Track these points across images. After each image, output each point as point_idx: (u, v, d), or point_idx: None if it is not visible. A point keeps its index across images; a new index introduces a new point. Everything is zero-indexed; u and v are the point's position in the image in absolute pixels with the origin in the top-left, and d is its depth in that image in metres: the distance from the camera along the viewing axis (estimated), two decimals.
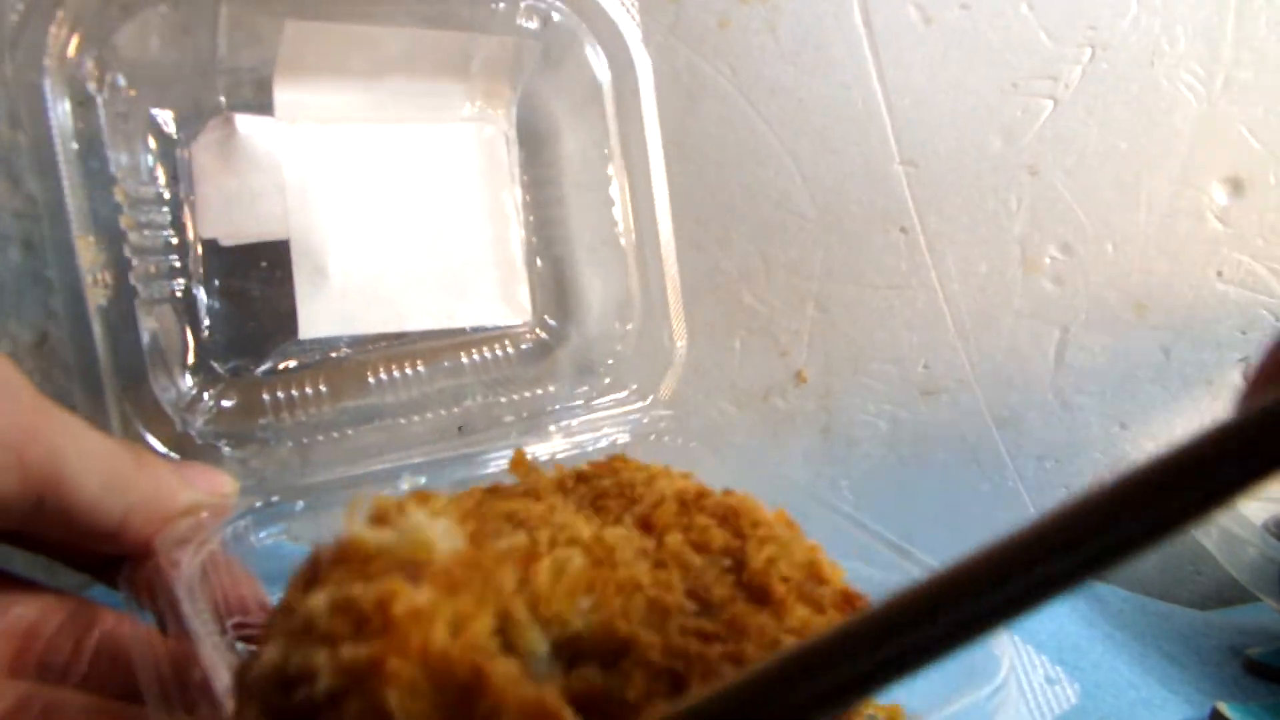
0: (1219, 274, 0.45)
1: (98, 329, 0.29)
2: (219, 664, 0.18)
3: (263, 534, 0.29)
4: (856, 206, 0.42)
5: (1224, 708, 0.34)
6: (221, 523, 0.26)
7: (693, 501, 0.23)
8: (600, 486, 0.24)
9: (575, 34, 0.35)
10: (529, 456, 0.27)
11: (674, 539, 0.21)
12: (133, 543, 0.22)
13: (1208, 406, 0.47)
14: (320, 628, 0.14)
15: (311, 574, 0.16)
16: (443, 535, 0.17)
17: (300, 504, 0.29)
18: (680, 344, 0.37)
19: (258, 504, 0.28)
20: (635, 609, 0.18)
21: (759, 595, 0.19)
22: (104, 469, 0.21)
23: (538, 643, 0.16)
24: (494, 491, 0.23)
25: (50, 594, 0.23)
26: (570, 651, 0.17)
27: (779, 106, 0.40)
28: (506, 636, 0.16)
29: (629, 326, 0.38)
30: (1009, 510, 0.47)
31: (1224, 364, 0.46)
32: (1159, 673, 0.37)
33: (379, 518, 0.17)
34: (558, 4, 0.34)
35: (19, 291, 0.34)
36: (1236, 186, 0.44)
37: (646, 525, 0.22)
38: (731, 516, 0.22)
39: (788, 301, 0.43)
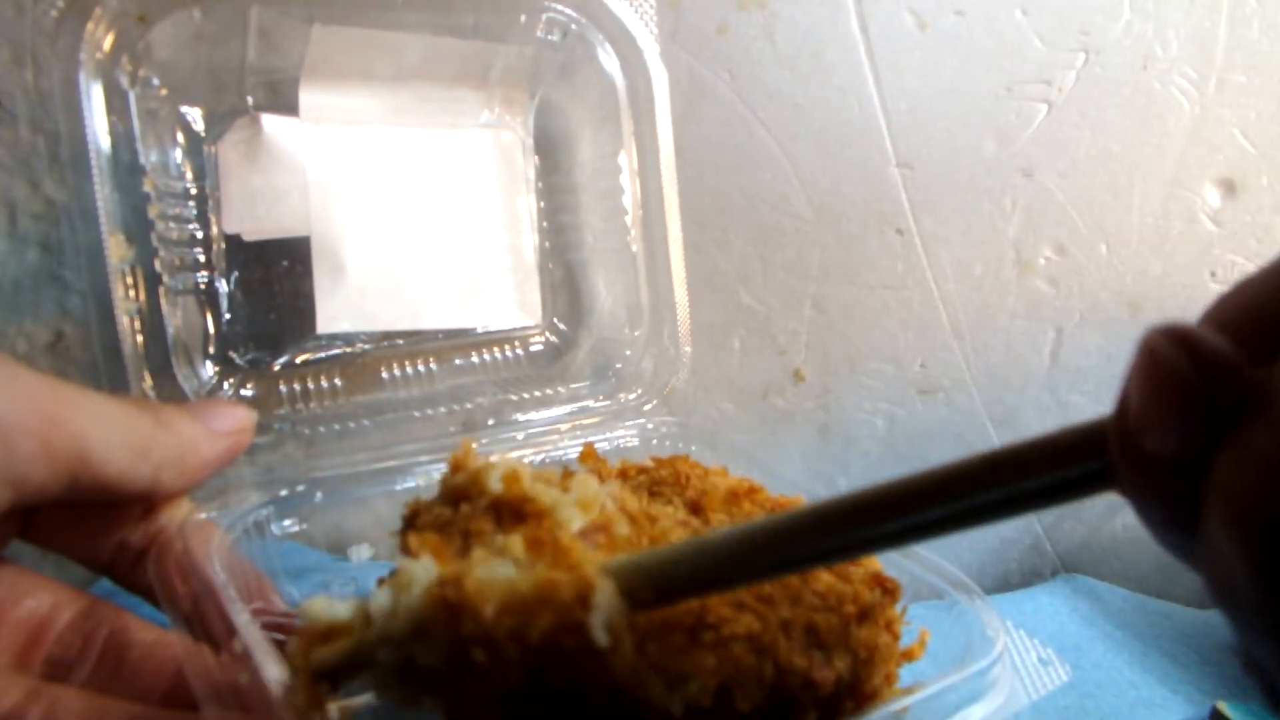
0: (1212, 274, 0.43)
1: (123, 320, 0.29)
2: (266, 654, 0.18)
3: (282, 524, 0.29)
4: (853, 208, 0.40)
5: (1224, 707, 0.32)
6: (242, 512, 0.26)
7: (744, 494, 0.24)
8: (658, 476, 0.25)
9: (593, 45, 0.34)
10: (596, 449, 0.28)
11: (718, 518, 0.22)
12: (167, 498, 0.22)
13: None
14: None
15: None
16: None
17: (319, 495, 0.29)
18: (687, 349, 0.36)
19: (281, 493, 0.28)
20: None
21: None
22: (127, 438, 0.20)
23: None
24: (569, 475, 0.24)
25: (64, 589, 0.22)
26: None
27: (776, 111, 0.39)
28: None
29: (637, 332, 0.37)
30: None
31: None
32: (1159, 672, 0.35)
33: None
34: (577, 16, 0.34)
35: (35, 291, 0.33)
36: (1229, 188, 0.42)
37: (695, 508, 0.23)
38: (779, 509, 0.23)
39: (785, 302, 0.41)
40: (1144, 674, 0.34)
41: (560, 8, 0.33)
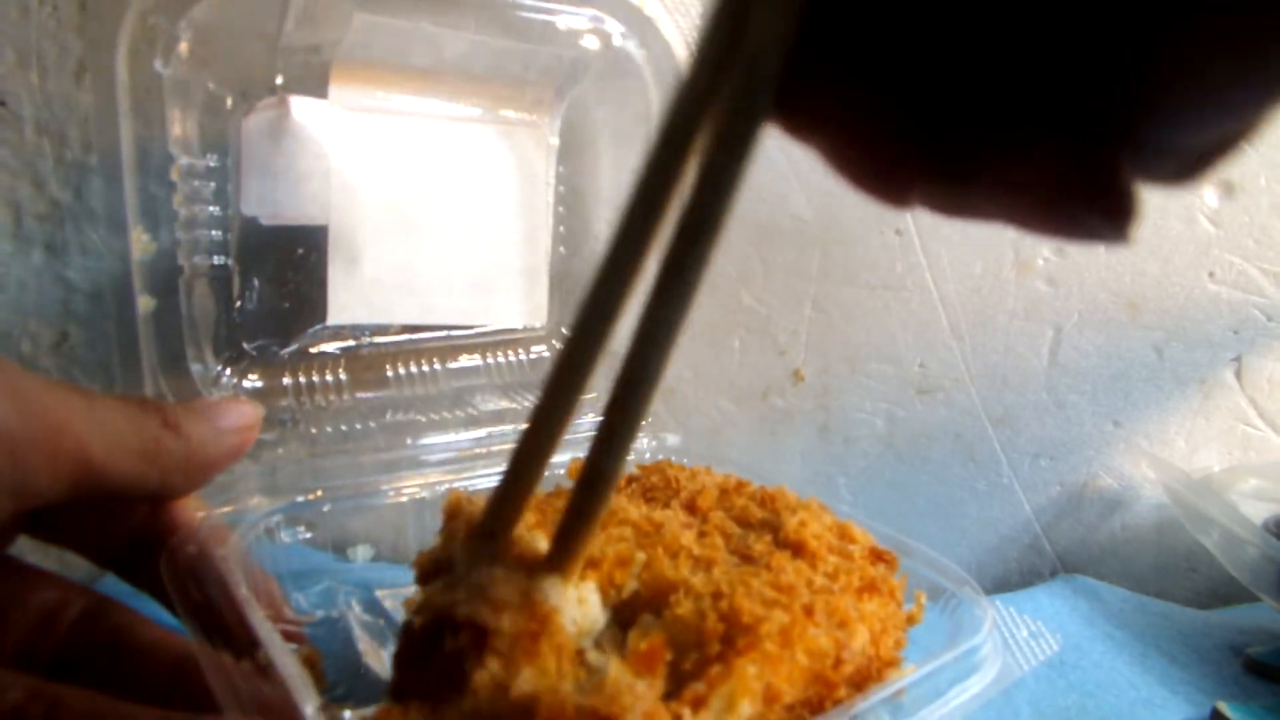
0: (1210, 275, 0.42)
1: (138, 303, 0.28)
2: (288, 658, 0.18)
3: (291, 531, 0.29)
4: (852, 209, 0.40)
5: (1225, 707, 0.31)
6: (253, 519, 0.25)
7: (733, 489, 0.24)
8: (649, 482, 0.25)
9: (633, 57, 0.34)
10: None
11: (716, 515, 0.22)
12: (174, 498, 0.22)
13: (1200, 405, 0.44)
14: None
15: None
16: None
17: (327, 506, 0.29)
18: (687, 350, 0.36)
19: (297, 499, 0.28)
20: (683, 564, 0.19)
21: (794, 548, 0.21)
22: (132, 443, 0.20)
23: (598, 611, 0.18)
24: (556, 493, 0.24)
25: (69, 586, 0.22)
26: (627, 612, 0.18)
27: None
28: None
29: None
30: (1004, 507, 0.45)
31: (1216, 363, 0.44)
32: (1159, 672, 0.34)
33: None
34: (621, 27, 0.33)
35: (40, 292, 0.33)
36: (1227, 189, 0.42)
37: (692, 508, 0.23)
38: (769, 500, 0.24)
39: (785, 302, 0.41)
40: (1144, 674, 0.34)
41: (608, 19, 0.33)
